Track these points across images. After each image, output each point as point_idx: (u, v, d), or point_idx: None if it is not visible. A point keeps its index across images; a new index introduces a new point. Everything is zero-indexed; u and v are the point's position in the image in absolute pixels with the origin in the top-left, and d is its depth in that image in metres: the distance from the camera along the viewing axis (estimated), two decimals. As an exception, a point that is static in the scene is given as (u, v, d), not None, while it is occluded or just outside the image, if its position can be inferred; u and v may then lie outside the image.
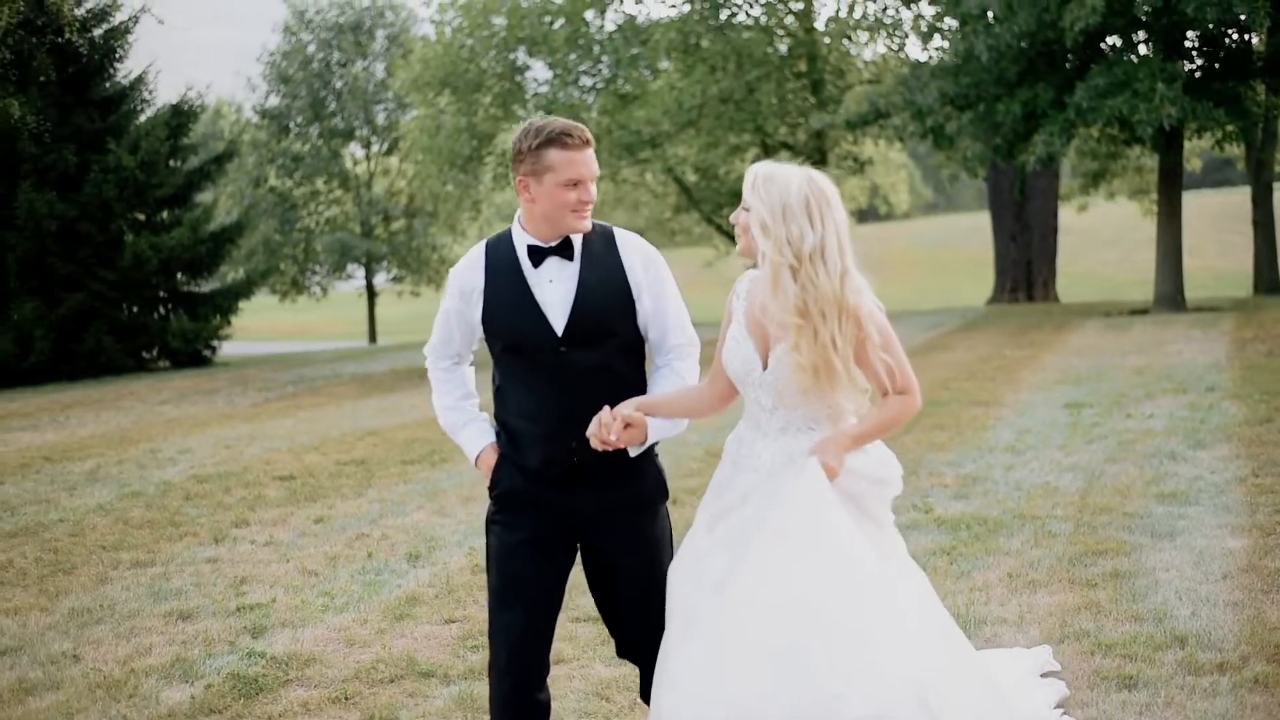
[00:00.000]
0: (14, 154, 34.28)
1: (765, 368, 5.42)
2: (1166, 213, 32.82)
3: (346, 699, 7.52)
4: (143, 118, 37.26)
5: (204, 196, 42.05)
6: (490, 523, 5.85)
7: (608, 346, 5.70)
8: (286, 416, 21.32)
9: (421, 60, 44.25)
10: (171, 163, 36.98)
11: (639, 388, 5.79)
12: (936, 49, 35.49)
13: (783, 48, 43.05)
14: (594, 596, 5.96)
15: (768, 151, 43.71)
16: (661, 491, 5.91)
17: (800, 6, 43.09)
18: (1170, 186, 32.90)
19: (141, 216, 36.44)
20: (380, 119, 57.64)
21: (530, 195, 5.63)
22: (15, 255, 33.96)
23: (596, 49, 43.63)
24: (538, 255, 5.69)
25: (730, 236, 48.21)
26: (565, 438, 5.64)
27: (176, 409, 23.67)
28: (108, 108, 36.48)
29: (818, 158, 44.00)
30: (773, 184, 5.34)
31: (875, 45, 44.18)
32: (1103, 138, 34.96)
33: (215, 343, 37.58)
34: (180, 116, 37.27)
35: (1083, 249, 74.23)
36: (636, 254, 5.82)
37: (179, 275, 37.00)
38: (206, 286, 39.18)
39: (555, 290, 5.67)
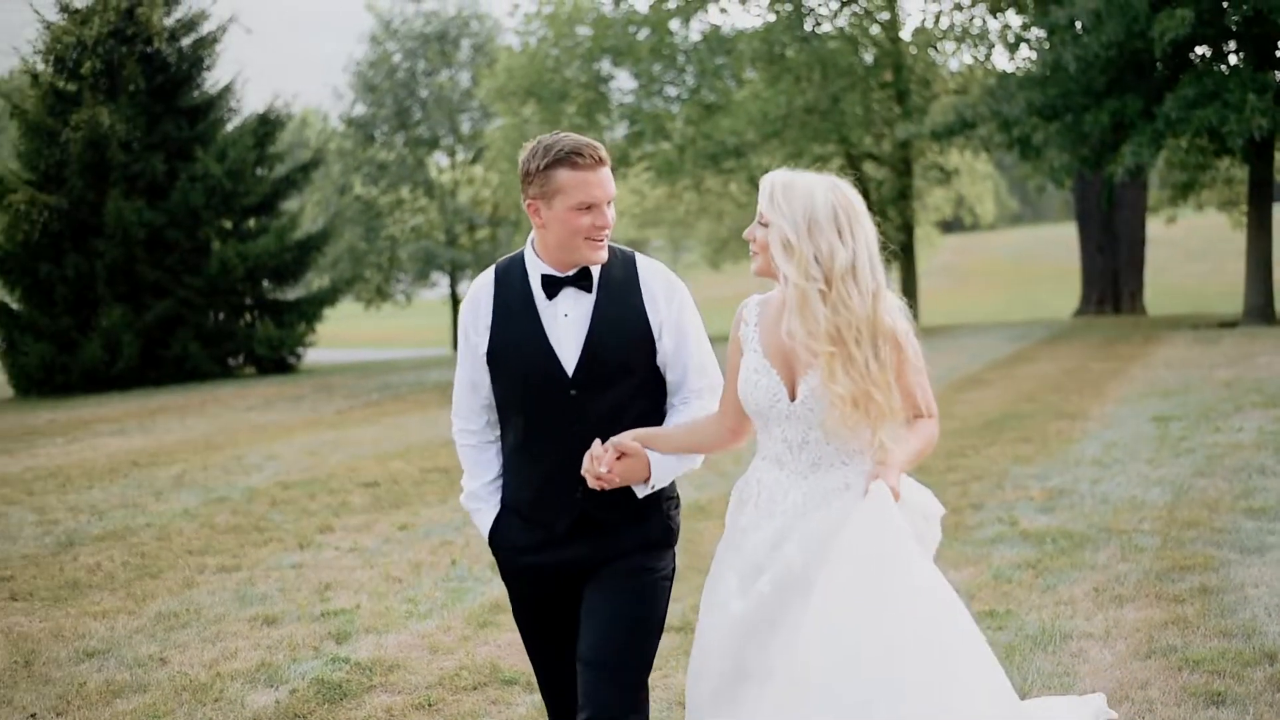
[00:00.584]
0: (104, 162, 34.64)
1: (793, 398, 4.88)
2: (1256, 224, 32.49)
3: (430, 705, 7.53)
4: (230, 126, 37.60)
5: (290, 205, 42.34)
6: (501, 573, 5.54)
7: (622, 388, 5.21)
8: (371, 423, 21.41)
9: (506, 70, 44.41)
10: (258, 171, 37.27)
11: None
12: (1024, 59, 35.29)
13: (868, 57, 42.97)
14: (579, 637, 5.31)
15: (852, 162, 43.60)
16: (666, 535, 5.36)
17: (886, 16, 42.97)
18: (1260, 198, 32.57)
19: (228, 224, 36.75)
20: (465, 128, 57.83)
21: (541, 220, 5.13)
22: (104, 262, 34.31)
23: (681, 59, 43.63)
24: (553, 286, 5.19)
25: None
26: (570, 485, 5.18)
27: (262, 415, 23.83)
28: (196, 116, 36.81)
29: (903, 168, 43.89)
30: (794, 194, 4.78)
31: (961, 55, 43.96)
32: (1192, 149, 34.60)
33: (300, 349, 37.84)
34: (267, 125, 37.56)
35: (1170, 261, 73.55)
36: (659, 285, 5.30)
37: (265, 282, 37.27)
38: (292, 294, 39.49)
39: (568, 326, 5.18)
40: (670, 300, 5.29)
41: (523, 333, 5.18)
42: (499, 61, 47.32)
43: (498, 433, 5.46)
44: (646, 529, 5.28)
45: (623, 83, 46.00)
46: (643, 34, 43.46)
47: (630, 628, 5.20)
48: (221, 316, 36.49)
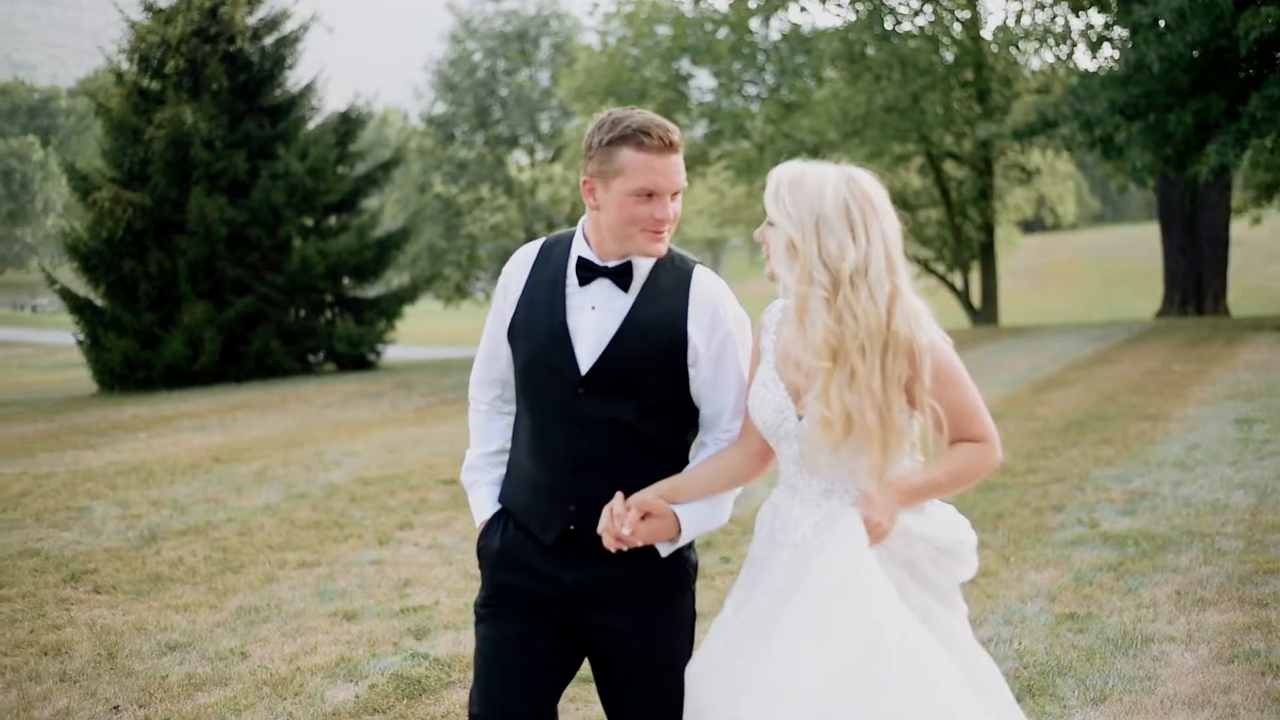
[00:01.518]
0: (187, 160, 34.91)
1: (802, 416, 4.34)
2: (1342, 226, 32.12)
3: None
4: (311, 125, 37.79)
5: (370, 203, 42.56)
6: (477, 609, 4.87)
7: (634, 403, 4.59)
8: (449, 421, 21.47)
9: (586, 69, 44.53)
10: (339, 169, 37.43)
11: (672, 461, 4.73)
12: (1106, 58, 35.04)
13: (949, 56, 42.76)
14: (597, 689, 4.92)
15: (933, 161, 43.44)
16: (682, 573, 4.77)
17: (967, 15, 42.76)
18: (1347, 200, 32.22)
19: (309, 222, 36.94)
20: (544, 127, 58.11)
21: (595, 201, 4.58)
22: (186, 259, 34.57)
23: (761, 58, 43.58)
24: (588, 272, 4.63)
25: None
26: (564, 496, 4.64)
27: (341, 412, 23.95)
28: (277, 115, 37.02)
29: (984, 168, 43.66)
30: (801, 190, 4.24)
31: (1043, 54, 43.70)
32: (1276, 149, 34.28)
33: (379, 347, 37.97)
34: (348, 124, 37.72)
35: (1255, 262, 72.87)
36: (708, 311, 4.66)
37: (345, 280, 37.42)
38: (372, 291, 39.66)
39: (594, 320, 4.61)
40: (714, 332, 4.65)
41: (544, 316, 4.66)
42: (578, 60, 47.49)
43: (511, 407, 4.97)
44: (657, 567, 4.68)
45: (702, 82, 46.05)
46: (722, 33, 43.46)
47: (661, 703, 4.71)
48: (302, 313, 36.67)
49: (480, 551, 4.86)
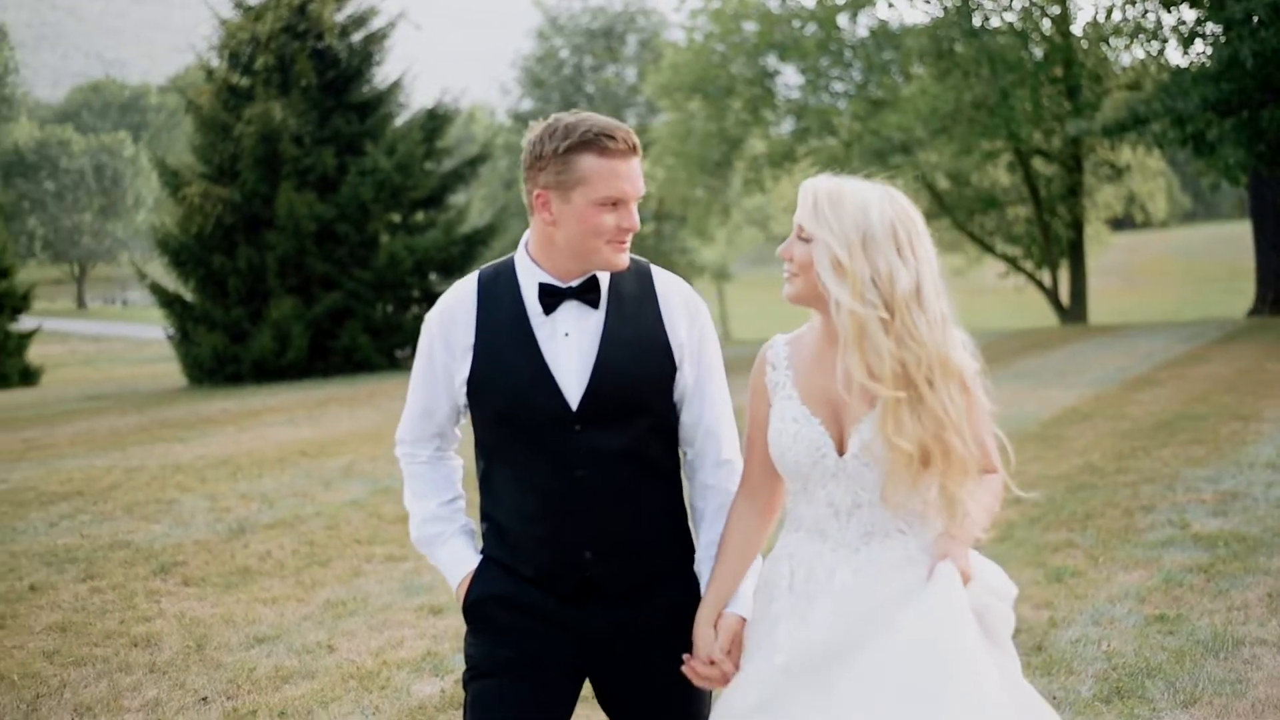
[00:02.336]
0: (276, 156, 35.14)
1: (842, 452, 4.00)
2: None
3: (591, 698, 7.53)
4: (399, 121, 37.93)
5: (457, 199, 42.66)
6: (468, 660, 4.40)
7: (637, 426, 4.24)
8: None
9: (672, 65, 44.56)
10: (426, 165, 37.54)
11: (674, 478, 4.40)
12: (1198, 54, 34.66)
13: (1038, 52, 42.46)
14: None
15: (1021, 158, 43.15)
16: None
17: (1057, 11, 42.45)
18: None
19: (397, 218, 37.09)
20: (631, 123, 58.08)
21: (551, 215, 4.15)
22: (275, 255, 34.82)
23: (848, 54, 43.46)
24: (552, 298, 4.22)
25: (982, 243, 47.66)
26: (576, 544, 4.22)
27: (428, 407, 24.01)
28: (365, 111, 37.20)
29: (1073, 165, 43.36)
30: (843, 205, 3.92)
31: (1134, 50, 43.32)
32: (1372, 146, 33.87)
33: (466, 342, 38.09)
34: (435, 120, 37.83)
35: (1348, 261, 71.93)
36: (680, 303, 4.36)
37: (432, 275, 37.53)
38: (458, 287, 39.80)
39: (571, 347, 4.20)
40: (693, 323, 4.36)
41: (515, 357, 4.21)
42: (665, 57, 47.51)
43: (451, 453, 4.56)
44: (676, 605, 4.33)
45: (789, 78, 45.98)
46: (809, 29, 43.39)
47: None
48: (389, 309, 36.82)
49: (473, 607, 4.33)
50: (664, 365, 4.26)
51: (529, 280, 4.24)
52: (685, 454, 4.46)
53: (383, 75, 37.93)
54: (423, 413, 4.43)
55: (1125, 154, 47.62)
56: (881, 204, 3.89)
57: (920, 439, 3.84)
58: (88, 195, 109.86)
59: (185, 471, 15.99)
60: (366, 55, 37.33)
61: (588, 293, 4.21)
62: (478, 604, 4.31)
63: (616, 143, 4.08)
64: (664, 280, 4.37)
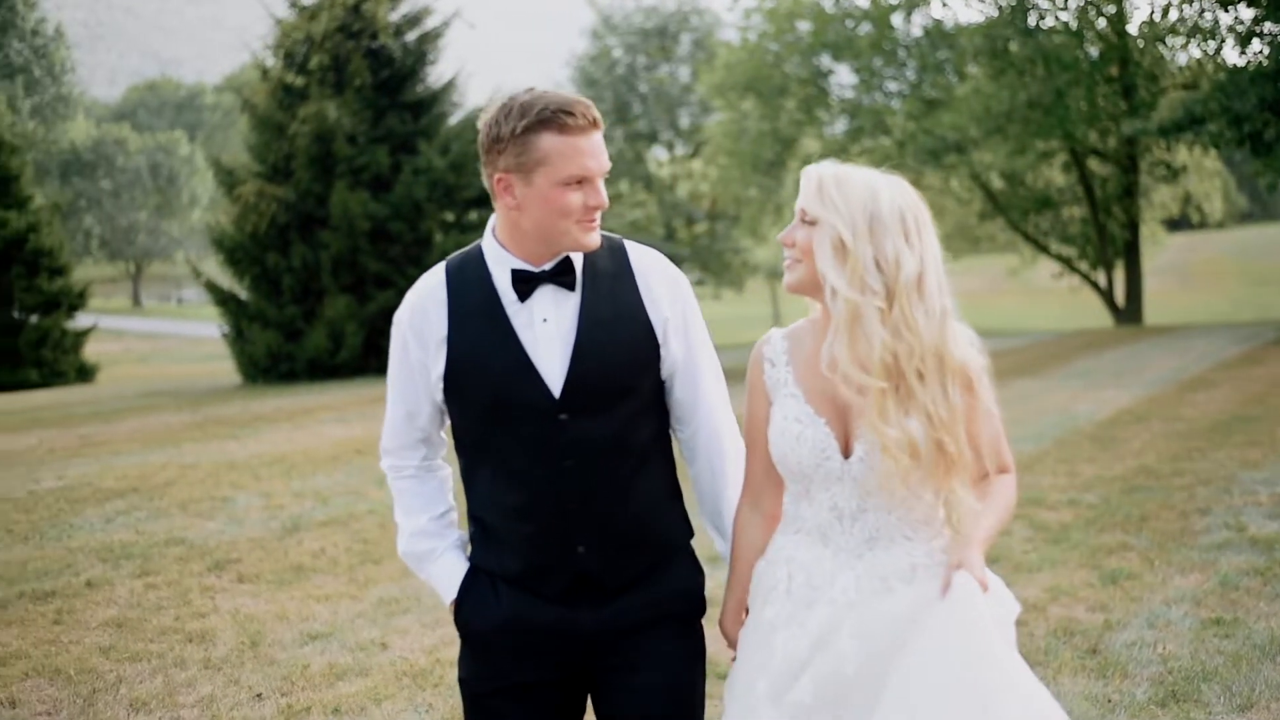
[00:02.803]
0: (330, 155, 35.27)
1: (847, 454, 3.81)
2: None
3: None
4: (453, 120, 37.99)
5: (511, 197, 42.63)
6: (462, 684, 4.23)
7: (625, 410, 4.04)
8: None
9: (726, 65, 44.55)
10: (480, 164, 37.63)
11: (666, 463, 4.21)
12: (1255, 54, 34.43)
13: (1093, 52, 42.25)
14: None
15: (1076, 158, 42.96)
16: (695, 602, 4.23)
17: (1113, 10, 42.23)
18: None
19: (450, 217, 37.15)
20: (684, 122, 58.13)
21: (514, 200, 3.95)
22: (329, 253, 34.95)
23: (902, 53, 43.37)
24: (525, 283, 4.00)
25: (1037, 243, 47.45)
26: (567, 539, 4.02)
27: (481, 406, 24.05)
28: (420, 110, 37.28)
29: (1128, 165, 43.13)
30: (850, 188, 3.74)
31: (1190, 50, 43.04)
32: None
33: (519, 341, 38.16)
34: (489, 119, 37.89)
35: (1406, 262, 71.38)
36: (659, 276, 4.15)
37: (485, 274, 37.59)
38: (512, 286, 39.88)
39: (549, 333, 4.00)
40: (675, 296, 4.16)
41: (492, 347, 4.00)
42: (718, 56, 47.48)
43: (439, 461, 4.35)
44: (672, 593, 4.17)
45: (842, 78, 45.90)
46: (863, 28, 43.32)
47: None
48: (443, 308, 36.91)
49: (469, 624, 4.16)
50: (647, 343, 4.06)
51: (500, 267, 4.03)
52: (679, 433, 4.26)
53: (437, 74, 38.03)
54: (405, 416, 4.22)
55: (1181, 154, 47.36)
56: (890, 189, 3.74)
57: (908, 434, 3.66)
58: (144, 194, 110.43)
59: (239, 469, 16.07)
60: (421, 54, 37.42)
61: (562, 275, 4.00)
62: (468, 627, 4.15)
63: (576, 119, 3.87)
64: (640, 254, 4.18)
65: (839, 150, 45.06)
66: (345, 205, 34.53)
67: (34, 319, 44.90)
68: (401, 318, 4.14)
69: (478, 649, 4.14)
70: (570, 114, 3.85)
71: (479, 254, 4.08)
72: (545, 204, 3.88)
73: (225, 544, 11.66)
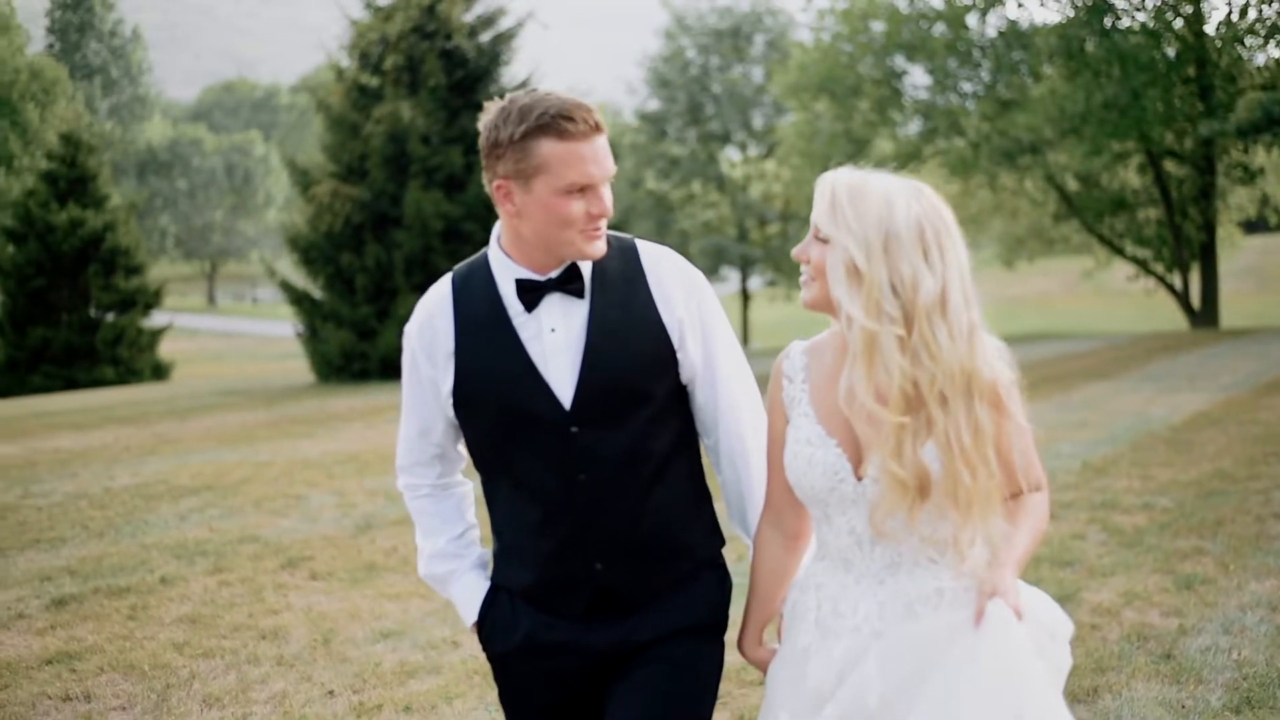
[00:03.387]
0: (404, 155, 35.44)
1: (861, 477, 3.60)
2: None
3: (718, 699, 7.51)
4: (527, 121, 38.07)
5: (583, 198, 42.79)
6: (501, 699, 4.19)
7: (639, 419, 3.88)
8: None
9: (799, 65, 44.48)
10: (553, 165, 37.72)
11: (693, 472, 4.06)
12: (1337, 53, 34.11)
13: (1170, 52, 41.92)
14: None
15: (1152, 159, 42.64)
16: (717, 617, 4.07)
17: (1190, 10, 41.89)
18: None
19: (523, 218, 37.27)
20: (757, 123, 58.06)
21: (515, 207, 3.79)
22: (402, 253, 35.10)
23: (976, 54, 43.17)
24: (531, 293, 3.86)
25: (1112, 245, 47.15)
26: (584, 555, 3.90)
27: (553, 406, 24.09)
28: (493, 111, 37.39)
29: (1205, 166, 42.78)
30: (865, 202, 3.50)
31: (1269, 50, 42.65)
32: None
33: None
34: (562, 120, 37.99)
35: None
36: (672, 277, 3.97)
37: (556, 275, 37.73)
38: (583, 286, 39.98)
39: (558, 344, 3.85)
40: (690, 296, 3.97)
41: (499, 360, 3.87)
42: (792, 57, 47.41)
43: (457, 478, 4.24)
44: (693, 606, 4.01)
45: (916, 78, 45.75)
46: (938, 29, 43.12)
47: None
48: (515, 307, 37.05)
49: (490, 646, 4.09)
50: (660, 346, 3.88)
51: (505, 276, 3.89)
52: (704, 440, 4.10)
53: (510, 75, 38.12)
54: (419, 432, 4.10)
55: (1259, 155, 46.91)
56: (908, 200, 3.49)
57: (922, 467, 3.45)
58: (219, 193, 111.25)
59: (313, 467, 16.15)
60: (495, 55, 37.52)
61: (570, 283, 3.84)
62: (489, 648, 4.08)
63: (576, 124, 3.69)
64: (652, 254, 3.99)
65: (912, 152, 44.90)
66: (419, 205, 34.68)
67: (110, 317, 45.37)
68: (411, 331, 4.01)
69: (499, 670, 4.09)
70: (570, 119, 3.68)
71: (485, 263, 3.96)
72: (546, 212, 3.73)
73: (298, 542, 11.72)
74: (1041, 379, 24.24)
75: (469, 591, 4.10)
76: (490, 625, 4.05)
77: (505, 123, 3.72)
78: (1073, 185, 45.84)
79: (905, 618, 3.51)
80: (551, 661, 3.97)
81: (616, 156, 43.61)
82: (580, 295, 3.83)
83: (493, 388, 3.85)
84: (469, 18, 37.28)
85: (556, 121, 3.65)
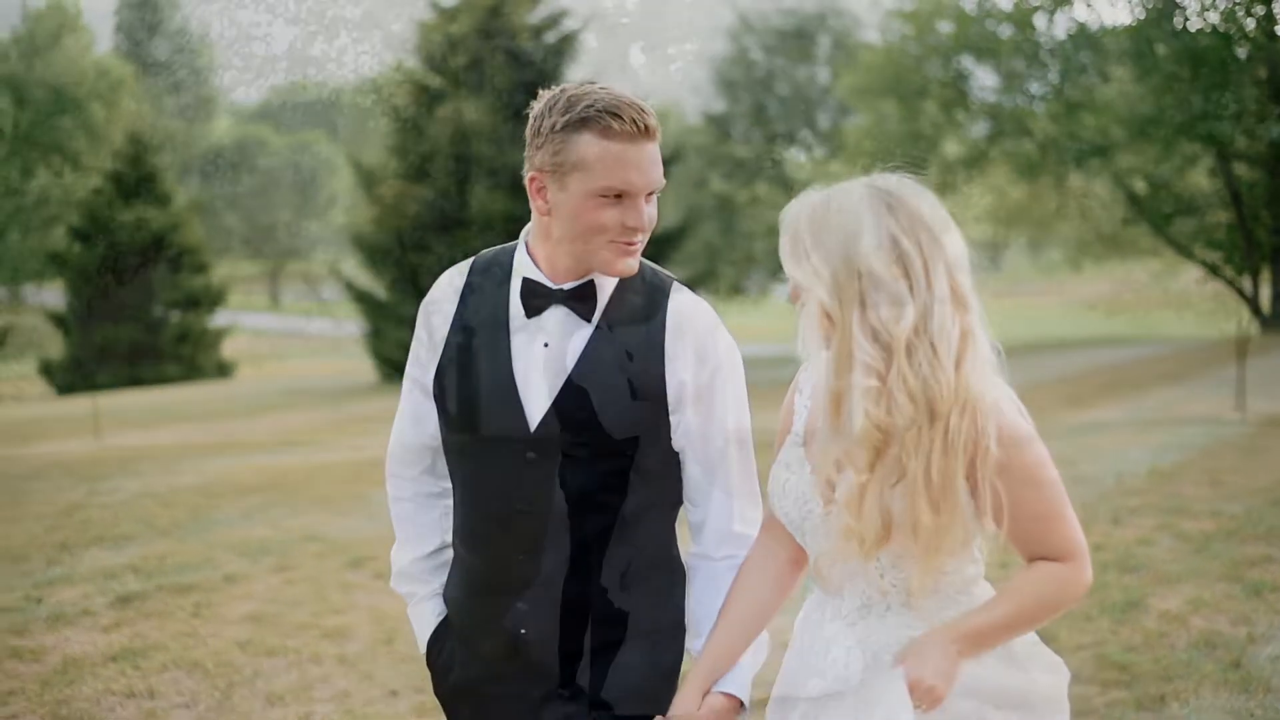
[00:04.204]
0: (469, 155, 35.48)
1: (829, 511, 3.24)
2: None
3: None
4: (591, 121, 38.15)
5: (647, 199, 42.88)
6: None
7: (605, 468, 3.48)
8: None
9: (865, 66, 44.40)
10: (617, 166, 37.77)
11: (655, 541, 3.62)
12: None
13: (1241, 54, 41.59)
14: None
15: (1223, 162, 42.33)
16: (657, 681, 3.63)
17: (1262, 11, 41.54)
18: None
19: (587, 218, 37.33)
20: (822, 124, 57.92)
21: (545, 203, 3.51)
22: (467, 253, 34.92)
23: (1044, 55, 42.97)
24: (537, 298, 3.53)
25: (1181, 248, 46.86)
26: (507, 589, 3.57)
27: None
28: (558, 112, 37.47)
29: (1276, 169, 42.40)
30: (826, 231, 3.14)
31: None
32: None
33: (654, 342, 38.24)
34: (626, 121, 38.02)
35: None
36: (694, 335, 3.55)
37: (621, 276, 37.74)
38: (647, 288, 40.00)
39: (545, 361, 3.50)
40: (703, 364, 3.54)
41: (481, 360, 3.57)
42: (858, 58, 47.29)
43: (445, 485, 3.82)
44: (627, 670, 3.59)
45: (983, 80, 45.56)
46: (1005, 30, 42.94)
47: None
48: (578, 308, 37.11)
49: (434, 684, 3.93)
50: (651, 405, 3.48)
51: (519, 273, 3.60)
52: (689, 516, 3.65)
53: (575, 76, 38.13)
54: (413, 417, 3.83)
55: (1331, 158, 46.56)
56: (877, 215, 3.13)
57: (886, 515, 3.10)
58: (284, 193, 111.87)
59: (377, 466, 16.12)
60: (560, 56, 37.55)
61: (581, 300, 3.50)
62: (434, 686, 3.91)
63: (623, 123, 3.36)
64: (682, 304, 3.58)
65: (979, 153, 44.69)
66: (484, 205, 34.72)
67: (175, 316, 45.62)
68: (422, 309, 3.82)
69: (446, 710, 3.90)
70: (617, 116, 3.36)
71: (510, 254, 3.69)
72: (576, 215, 3.42)
73: (362, 541, 11.72)
74: (1111, 383, 24.08)
75: (421, 621, 3.87)
76: (433, 661, 3.86)
77: (550, 111, 3.48)
78: (1141, 188, 45.55)
79: (872, 668, 3.23)
80: (486, 709, 3.71)
81: (680, 158, 43.67)
82: (588, 318, 3.50)
83: (465, 385, 3.59)
84: (533, 19, 37.31)
85: (602, 116, 3.37)
